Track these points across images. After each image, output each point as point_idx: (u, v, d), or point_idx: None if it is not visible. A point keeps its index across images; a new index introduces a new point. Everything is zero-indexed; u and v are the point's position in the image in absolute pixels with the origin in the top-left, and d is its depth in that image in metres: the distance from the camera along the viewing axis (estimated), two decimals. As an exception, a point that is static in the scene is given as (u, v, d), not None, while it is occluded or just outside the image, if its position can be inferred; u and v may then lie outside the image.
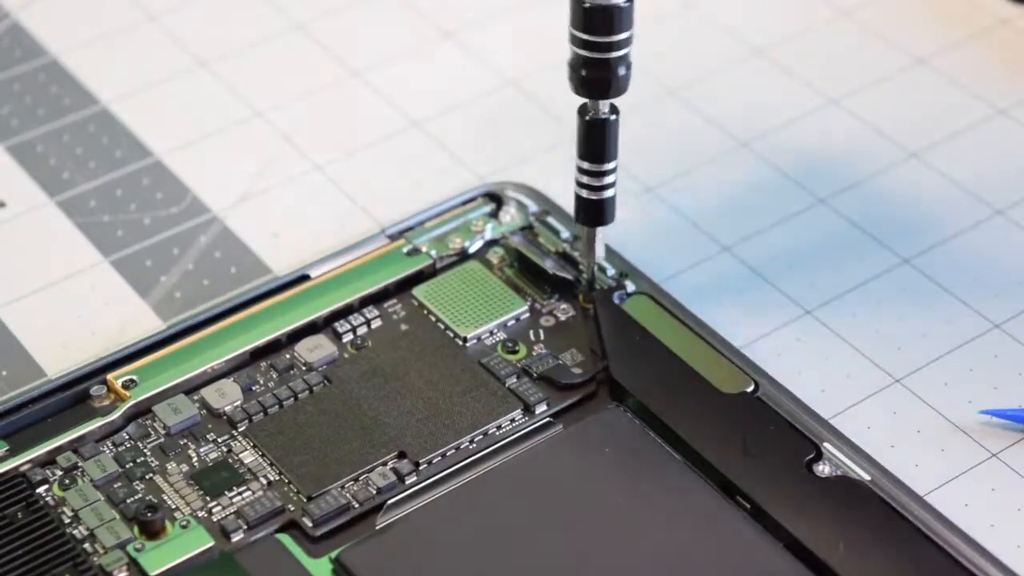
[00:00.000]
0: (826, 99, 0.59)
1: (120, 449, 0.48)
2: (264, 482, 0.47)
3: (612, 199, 0.50)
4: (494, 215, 0.54)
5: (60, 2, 0.65)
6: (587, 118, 0.49)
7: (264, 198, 0.57)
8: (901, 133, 0.58)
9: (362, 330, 0.51)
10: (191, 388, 0.49)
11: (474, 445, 0.48)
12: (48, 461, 0.47)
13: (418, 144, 0.59)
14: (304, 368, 0.50)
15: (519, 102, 0.60)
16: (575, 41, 0.47)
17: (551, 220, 0.53)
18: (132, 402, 0.48)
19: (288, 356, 0.50)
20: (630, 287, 0.51)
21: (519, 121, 0.59)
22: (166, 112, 0.60)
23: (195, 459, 0.48)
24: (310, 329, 0.50)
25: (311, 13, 0.64)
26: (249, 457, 0.47)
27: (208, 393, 0.49)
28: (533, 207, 0.54)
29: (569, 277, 0.51)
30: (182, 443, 0.48)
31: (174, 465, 0.47)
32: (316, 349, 0.50)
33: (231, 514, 0.46)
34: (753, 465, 0.46)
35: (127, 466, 0.47)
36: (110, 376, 0.49)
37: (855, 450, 0.46)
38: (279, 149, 0.59)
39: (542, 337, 0.50)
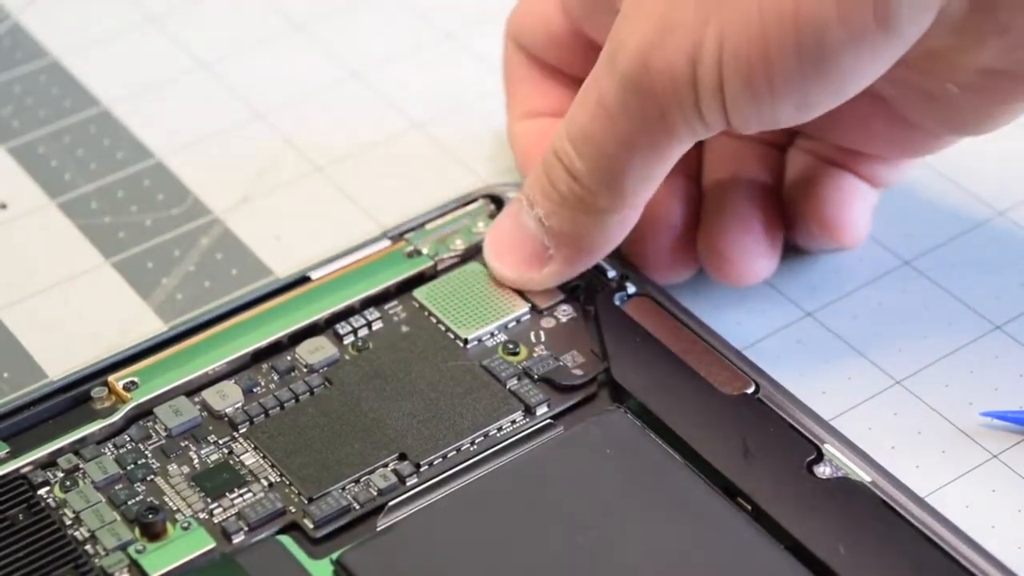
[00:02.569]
0: (826, 100, 0.59)
1: (121, 451, 0.48)
2: (265, 484, 0.47)
3: None
4: (495, 216, 0.54)
5: (61, 3, 0.65)
6: None
7: (265, 200, 0.57)
8: (901, 134, 0.58)
9: (363, 332, 0.51)
10: (192, 390, 0.49)
11: (475, 446, 0.48)
12: (49, 463, 0.47)
13: (419, 145, 0.59)
14: (305, 370, 0.50)
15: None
16: None
17: (552, 221, 0.53)
18: (133, 404, 0.48)
19: (289, 358, 0.50)
20: (631, 288, 0.51)
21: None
22: (167, 113, 0.60)
23: (196, 461, 0.48)
24: (311, 331, 0.50)
25: (311, 14, 0.64)
26: (250, 459, 0.47)
27: (209, 395, 0.49)
28: (534, 208, 0.54)
29: None
30: (183, 445, 0.48)
31: (175, 467, 0.47)
32: (317, 351, 0.50)
33: (232, 516, 0.46)
34: (754, 466, 0.46)
35: (128, 468, 0.47)
36: (111, 378, 0.49)
37: (856, 451, 0.46)
38: (280, 151, 0.59)
39: (543, 339, 0.50)
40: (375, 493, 0.46)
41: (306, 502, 0.46)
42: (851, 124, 0.50)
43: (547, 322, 0.51)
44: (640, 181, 0.47)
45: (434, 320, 0.51)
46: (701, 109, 0.45)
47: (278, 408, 0.49)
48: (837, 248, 0.53)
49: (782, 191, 0.53)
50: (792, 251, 0.54)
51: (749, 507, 0.45)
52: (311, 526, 0.46)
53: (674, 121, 0.46)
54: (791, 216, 0.52)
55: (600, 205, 0.48)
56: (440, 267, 0.52)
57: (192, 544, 0.45)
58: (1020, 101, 0.47)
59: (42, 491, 0.47)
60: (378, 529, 0.46)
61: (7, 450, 0.47)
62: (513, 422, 0.48)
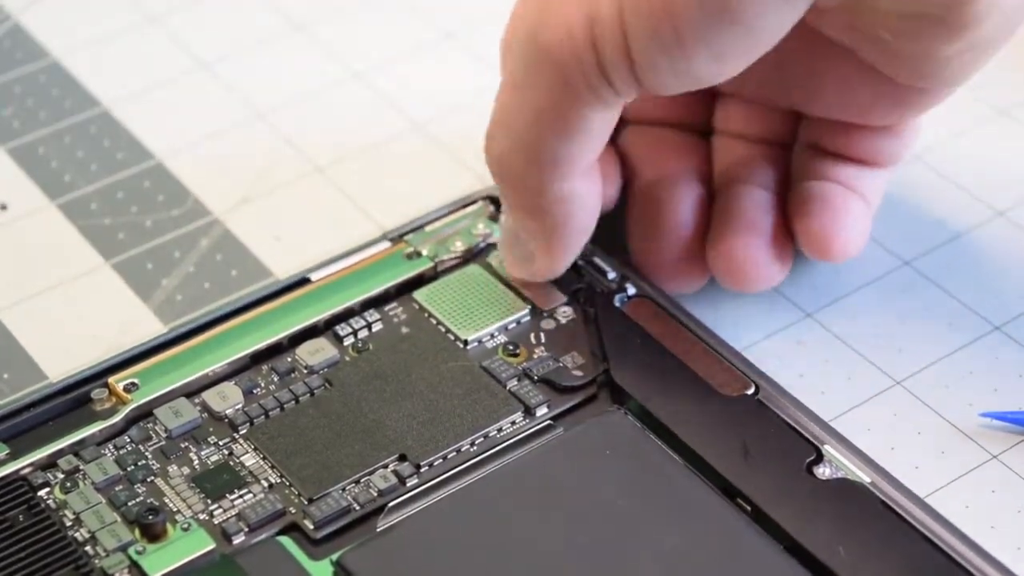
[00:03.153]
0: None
1: (121, 452, 0.48)
2: (265, 485, 0.47)
3: None
4: (495, 218, 0.54)
5: (61, 4, 0.65)
6: None
7: (265, 201, 0.57)
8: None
9: (363, 333, 0.51)
10: (192, 391, 0.49)
11: (475, 448, 0.48)
12: (49, 464, 0.47)
13: (419, 146, 0.59)
14: (305, 371, 0.50)
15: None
16: None
17: (551, 222, 0.53)
18: (133, 405, 0.48)
19: (289, 359, 0.50)
20: (631, 290, 0.51)
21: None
22: (167, 114, 0.60)
23: (196, 462, 0.48)
24: (311, 332, 0.51)
25: (311, 14, 0.64)
26: (250, 460, 0.47)
27: (209, 396, 0.49)
28: (534, 209, 0.54)
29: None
30: (183, 446, 0.48)
31: (175, 468, 0.47)
32: (317, 352, 0.50)
33: (232, 517, 0.46)
34: (754, 467, 0.46)
35: (128, 469, 0.47)
36: (111, 379, 0.49)
37: (855, 452, 0.46)
38: (280, 151, 0.59)
39: (543, 340, 0.50)
40: (375, 494, 0.46)
41: (306, 503, 0.46)
42: (833, 89, 0.50)
43: (547, 323, 0.51)
44: (560, 158, 0.46)
45: (434, 321, 0.51)
46: (606, 71, 0.43)
47: (278, 409, 0.49)
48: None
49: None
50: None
51: (749, 508, 0.45)
52: (311, 527, 0.46)
53: (577, 87, 0.44)
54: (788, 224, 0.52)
55: (529, 185, 0.47)
56: (440, 269, 0.52)
57: (192, 545, 0.45)
58: (954, 43, 0.45)
59: (42, 492, 0.47)
60: (378, 530, 0.46)
61: (7, 451, 0.47)
62: (513, 423, 0.48)
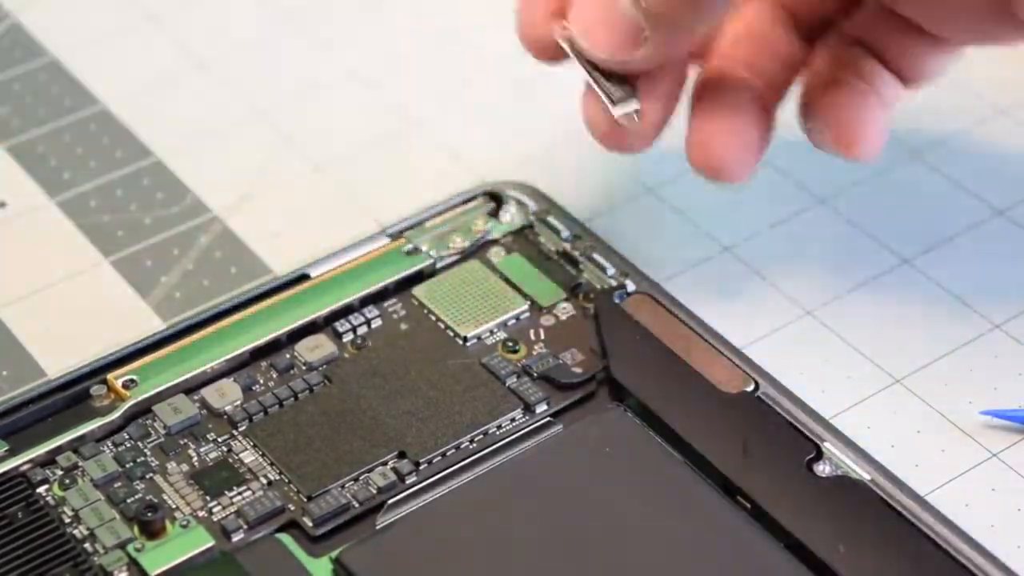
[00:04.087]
0: (826, 99, 0.59)
1: (120, 449, 0.48)
2: (264, 482, 0.47)
3: None
4: (494, 214, 0.54)
5: (60, 2, 0.65)
6: None
7: (264, 198, 0.57)
8: (901, 133, 0.58)
9: (362, 330, 0.51)
10: (191, 388, 0.49)
11: (474, 445, 0.48)
12: (48, 461, 0.47)
13: (418, 143, 0.59)
14: (304, 368, 0.50)
15: (519, 101, 0.60)
16: None
17: (551, 219, 0.53)
18: (132, 402, 0.48)
19: (288, 356, 0.50)
20: (630, 286, 0.51)
21: (519, 120, 0.59)
22: (166, 112, 0.60)
23: (195, 459, 0.48)
24: (310, 329, 0.50)
25: (311, 14, 0.64)
26: (249, 457, 0.47)
27: (208, 393, 0.49)
28: (533, 206, 0.54)
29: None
30: (182, 443, 0.48)
31: (174, 465, 0.47)
32: (316, 349, 0.50)
33: (231, 514, 0.46)
34: (753, 465, 0.46)
35: (127, 466, 0.47)
36: (110, 376, 0.49)
37: (855, 450, 0.46)
38: (280, 149, 0.59)
39: (542, 336, 0.50)
40: (374, 491, 0.46)
41: (305, 500, 0.46)
42: None
43: (546, 320, 0.51)
44: None
45: (433, 318, 0.51)
46: None
47: (277, 406, 0.48)
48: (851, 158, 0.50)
49: (800, 87, 0.51)
50: (792, 249, 0.54)
51: (748, 505, 0.45)
52: (310, 524, 0.46)
53: None
54: (805, 117, 0.50)
55: None
56: (439, 265, 0.52)
57: (191, 542, 0.45)
58: None
59: (41, 489, 0.47)
60: (377, 527, 0.46)
61: (6, 448, 0.47)
62: (512, 420, 0.48)
